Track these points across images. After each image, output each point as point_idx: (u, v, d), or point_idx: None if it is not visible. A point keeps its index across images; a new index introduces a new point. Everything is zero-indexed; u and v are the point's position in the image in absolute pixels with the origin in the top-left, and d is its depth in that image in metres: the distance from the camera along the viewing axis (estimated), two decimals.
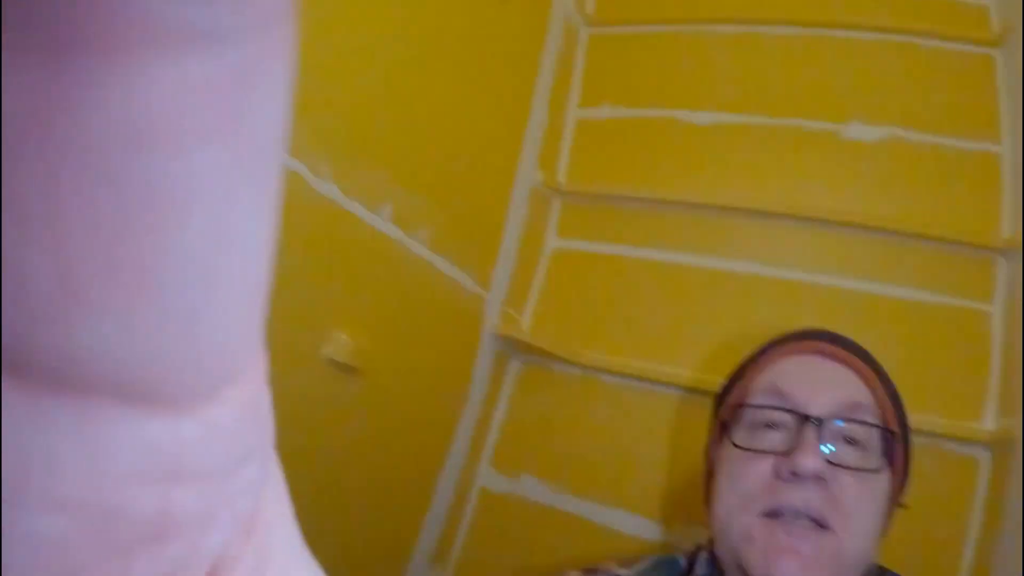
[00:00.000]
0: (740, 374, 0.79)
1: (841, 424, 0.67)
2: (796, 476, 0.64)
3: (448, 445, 1.38)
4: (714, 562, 0.74)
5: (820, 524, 0.63)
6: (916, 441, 1.19)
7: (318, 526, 1.11)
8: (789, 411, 0.68)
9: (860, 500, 0.65)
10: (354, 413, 1.15)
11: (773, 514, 0.65)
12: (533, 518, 1.43)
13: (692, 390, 1.38)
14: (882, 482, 0.68)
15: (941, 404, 1.25)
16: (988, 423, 1.23)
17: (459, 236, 1.33)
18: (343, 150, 1.06)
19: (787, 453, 0.65)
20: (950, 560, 1.20)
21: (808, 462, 0.63)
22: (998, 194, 1.34)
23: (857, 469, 0.65)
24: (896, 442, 0.70)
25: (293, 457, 0.88)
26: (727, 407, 0.76)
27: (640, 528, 1.36)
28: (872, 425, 0.69)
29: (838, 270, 1.38)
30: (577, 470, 1.42)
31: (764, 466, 0.67)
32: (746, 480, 0.68)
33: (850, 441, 0.68)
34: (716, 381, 1.31)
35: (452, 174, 1.31)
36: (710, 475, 0.77)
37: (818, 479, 0.63)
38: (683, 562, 0.80)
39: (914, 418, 1.19)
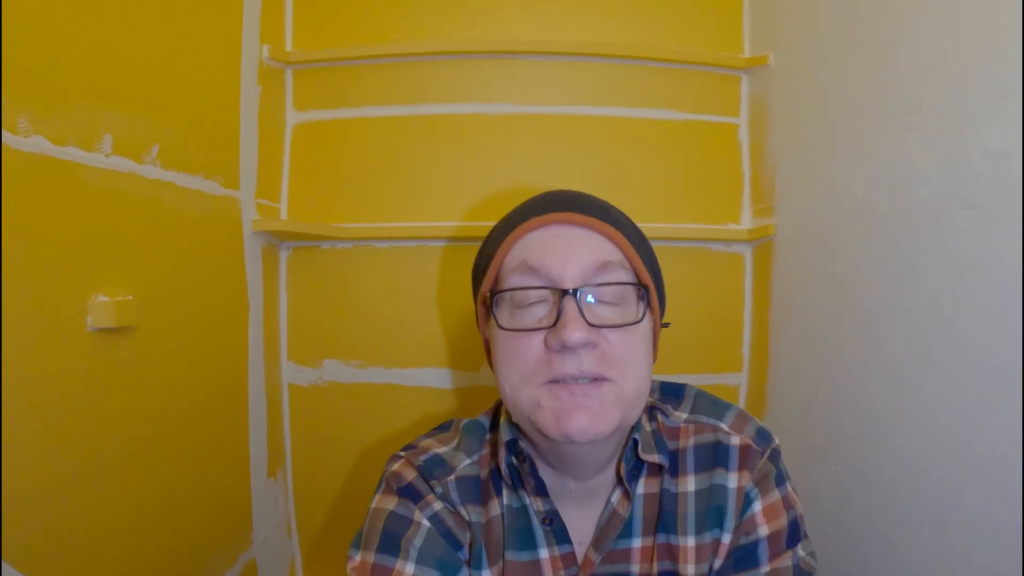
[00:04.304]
0: (490, 253, 0.79)
1: (597, 288, 0.71)
2: (566, 348, 0.68)
3: (244, 357, 1.33)
4: (515, 424, 0.80)
5: (598, 379, 0.69)
6: (687, 247, 1.42)
7: (155, 470, 1.09)
8: (545, 288, 0.71)
9: (628, 350, 0.71)
10: (144, 369, 1.05)
11: (554, 382, 0.69)
12: (348, 399, 1.47)
13: (465, 238, 1.44)
14: (644, 328, 0.74)
15: (704, 212, 1.47)
16: (746, 223, 1.48)
17: (193, 143, 1.16)
18: (39, 95, 0.86)
19: (553, 327, 0.69)
20: (733, 339, 1.49)
21: (574, 335, 0.66)
22: (739, 19, 1.49)
23: (620, 325, 0.71)
24: (650, 290, 0.75)
25: (104, 437, 0.92)
26: (486, 291, 0.77)
27: (448, 379, 1.46)
28: (625, 283, 0.73)
29: (592, 100, 1.45)
30: (376, 341, 1.46)
31: (535, 341, 0.70)
32: (522, 359, 0.71)
33: (607, 299, 0.72)
34: (486, 226, 1.40)
35: (168, 78, 1.10)
36: (488, 347, 0.82)
37: (587, 344, 0.68)
38: (486, 422, 0.88)
39: (682, 228, 1.42)
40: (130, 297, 1.01)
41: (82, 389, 0.94)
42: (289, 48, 1.45)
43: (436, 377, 1.46)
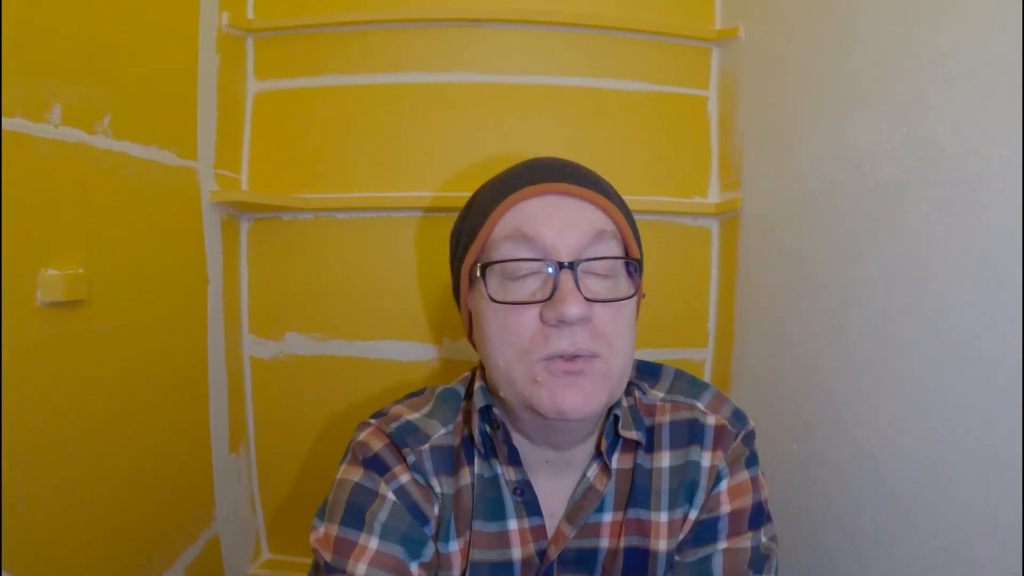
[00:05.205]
0: (478, 221, 0.76)
1: (592, 262, 0.70)
2: (563, 323, 0.67)
3: (204, 330, 1.31)
4: (491, 392, 0.79)
5: (589, 356, 0.69)
6: (654, 220, 1.41)
7: (112, 447, 1.07)
8: (541, 260, 0.70)
9: (617, 326, 0.70)
10: (98, 344, 1.03)
11: (550, 358, 0.68)
12: (312, 372, 1.45)
13: (430, 209, 1.42)
14: (631, 304, 0.73)
15: (672, 184, 1.46)
16: (713, 197, 1.48)
17: (148, 112, 1.12)
18: None
19: (548, 300, 0.68)
20: (699, 314, 1.49)
21: (573, 310, 0.66)
22: None
23: (613, 300, 0.70)
24: (640, 266, 0.75)
25: (56, 415, 0.92)
26: (473, 261, 0.75)
27: (414, 352, 1.45)
28: (619, 258, 0.72)
29: (561, 70, 1.43)
30: (338, 313, 1.44)
31: (530, 315, 0.69)
32: (517, 333, 0.70)
33: (599, 272, 0.71)
34: (452, 197, 1.38)
35: (121, 45, 1.06)
36: (472, 321, 0.80)
37: (583, 319, 0.67)
38: (461, 390, 0.87)
39: (649, 200, 1.40)
40: (81, 270, 0.98)
41: (32, 365, 0.91)
42: (250, 15, 1.41)
43: (398, 350, 1.44)
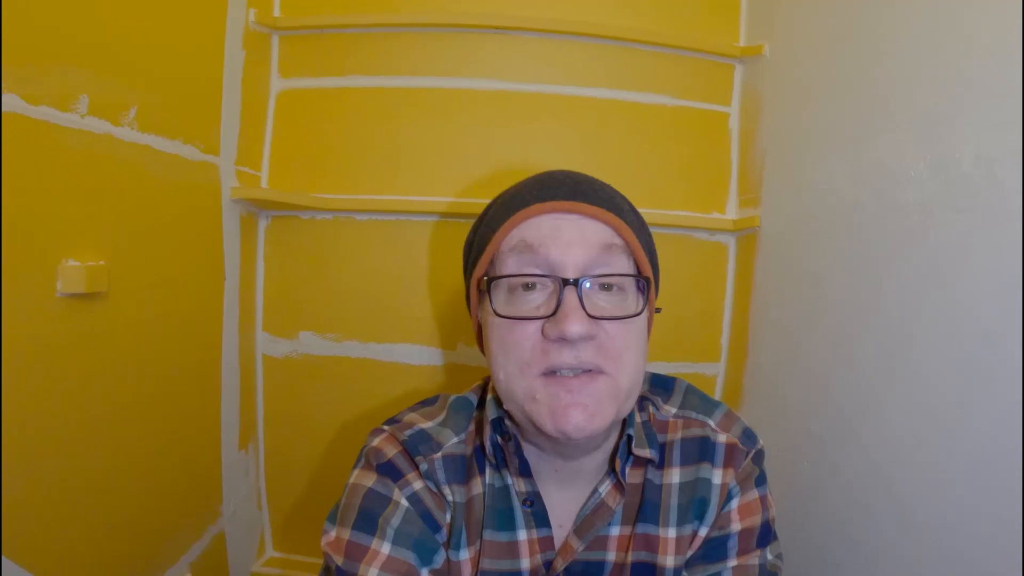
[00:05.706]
0: (486, 236, 0.76)
1: (598, 277, 0.70)
2: (565, 340, 0.67)
3: (219, 326, 1.31)
4: (501, 404, 0.78)
5: (593, 371, 0.68)
6: (671, 234, 1.42)
7: (124, 440, 1.07)
8: (546, 276, 0.70)
9: (626, 343, 0.70)
10: (116, 337, 1.03)
11: (550, 372, 0.68)
12: (324, 373, 1.45)
13: (448, 214, 1.42)
14: (641, 320, 0.72)
15: (690, 199, 1.46)
16: (731, 213, 1.47)
17: (173, 106, 1.13)
18: (12, 52, 0.82)
19: (552, 316, 0.68)
20: (713, 329, 1.49)
21: (574, 328, 0.65)
22: (736, 7, 1.46)
23: (619, 318, 0.69)
24: (651, 283, 0.74)
25: (72, 406, 0.91)
26: (480, 275, 0.76)
27: (428, 357, 1.45)
28: (626, 275, 0.72)
29: (583, 81, 1.43)
30: (353, 314, 1.44)
31: (532, 329, 0.69)
32: (518, 347, 0.69)
33: (608, 287, 0.71)
34: (470, 203, 1.38)
35: (149, 39, 1.07)
36: (480, 331, 0.80)
37: (586, 337, 0.67)
38: (474, 399, 0.87)
39: (667, 214, 1.40)
40: (102, 262, 0.99)
41: (51, 356, 0.91)
42: (277, 13, 1.42)
43: (412, 353, 1.44)
